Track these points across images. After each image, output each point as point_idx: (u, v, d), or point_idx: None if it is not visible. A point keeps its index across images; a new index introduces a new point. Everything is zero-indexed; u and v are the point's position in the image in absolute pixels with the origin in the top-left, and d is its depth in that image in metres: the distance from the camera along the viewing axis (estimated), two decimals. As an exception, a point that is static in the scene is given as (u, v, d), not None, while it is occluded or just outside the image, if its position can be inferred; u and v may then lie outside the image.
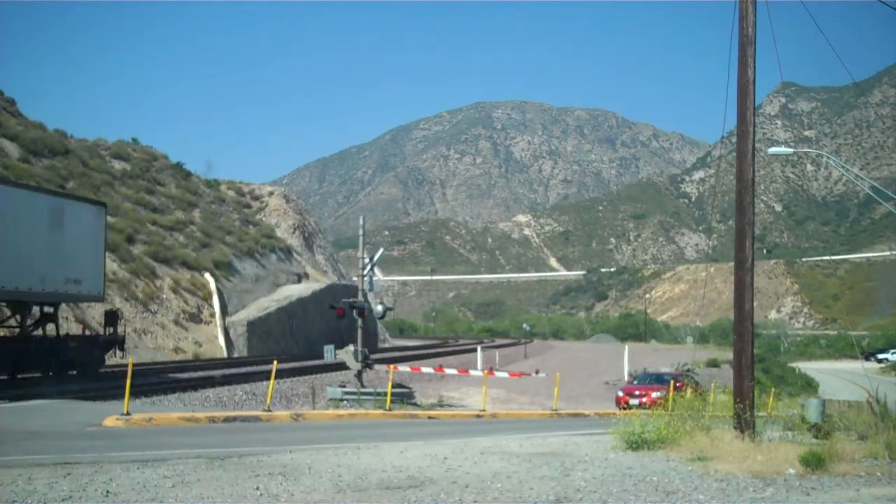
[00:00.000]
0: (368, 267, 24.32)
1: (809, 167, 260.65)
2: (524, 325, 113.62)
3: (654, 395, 25.67)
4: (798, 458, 9.39)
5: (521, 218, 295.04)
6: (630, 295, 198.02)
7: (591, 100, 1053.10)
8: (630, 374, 38.40)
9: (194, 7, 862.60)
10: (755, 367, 12.92)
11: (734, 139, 12.56)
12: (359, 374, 23.68)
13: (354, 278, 47.17)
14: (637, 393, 26.72)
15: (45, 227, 22.23)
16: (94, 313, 35.21)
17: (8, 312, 23.75)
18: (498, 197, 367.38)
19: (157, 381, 23.36)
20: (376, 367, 26.05)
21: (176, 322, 40.94)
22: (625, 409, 25.47)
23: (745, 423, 11.14)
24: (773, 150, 28.28)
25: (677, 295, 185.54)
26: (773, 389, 29.55)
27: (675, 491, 8.02)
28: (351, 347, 23.87)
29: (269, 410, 17.31)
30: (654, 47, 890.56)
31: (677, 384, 26.88)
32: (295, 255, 66.49)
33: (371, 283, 24.45)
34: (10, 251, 20.78)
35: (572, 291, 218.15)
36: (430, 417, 20.06)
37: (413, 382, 28.87)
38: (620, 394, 27.15)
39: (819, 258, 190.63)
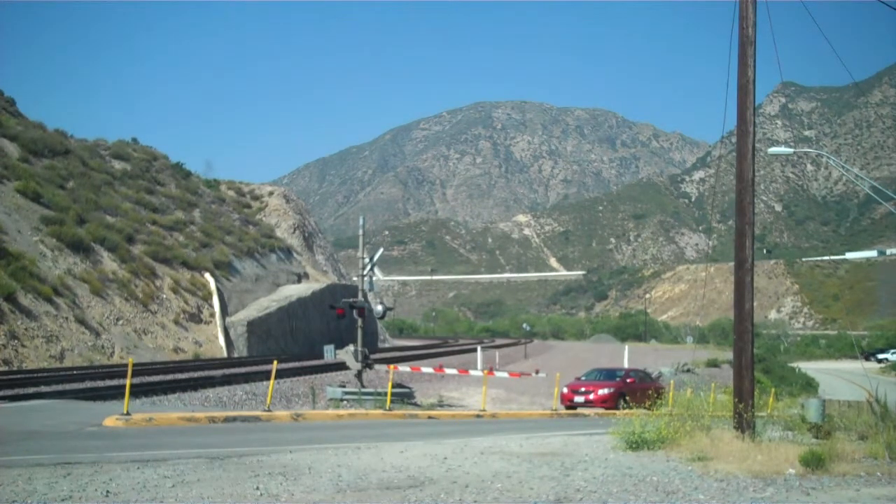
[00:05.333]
0: (368, 267, 24.29)
1: (809, 167, 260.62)
2: (524, 325, 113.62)
3: (602, 391, 24.57)
4: (798, 458, 9.39)
5: (521, 218, 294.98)
6: (630, 295, 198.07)
7: (591, 100, 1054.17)
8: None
9: (194, 7, 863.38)
10: (755, 367, 12.91)
11: (734, 139, 12.56)
12: (359, 374, 23.65)
13: (354, 278, 47.16)
14: (583, 390, 24.96)
15: None
16: (94, 313, 35.23)
17: None
18: (498, 197, 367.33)
19: (157, 381, 23.34)
20: (376, 367, 26.02)
21: (176, 322, 40.94)
22: (570, 407, 24.27)
23: (745, 423, 11.14)
24: (773, 150, 28.18)
25: (677, 295, 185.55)
26: (773, 389, 29.49)
27: (675, 491, 8.02)
28: (351, 347, 23.84)
29: (269, 410, 17.29)
30: (654, 47, 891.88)
31: (628, 380, 25.94)
32: (295, 255, 66.49)
33: (371, 283, 24.42)
34: None
35: (572, 291, 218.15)
36: (430, 417, 20.03)
37: (413, 382, 28.86)
38: (565, 390, 25.03)
39: (819, 258, 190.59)
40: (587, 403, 24.33)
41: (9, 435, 11.87)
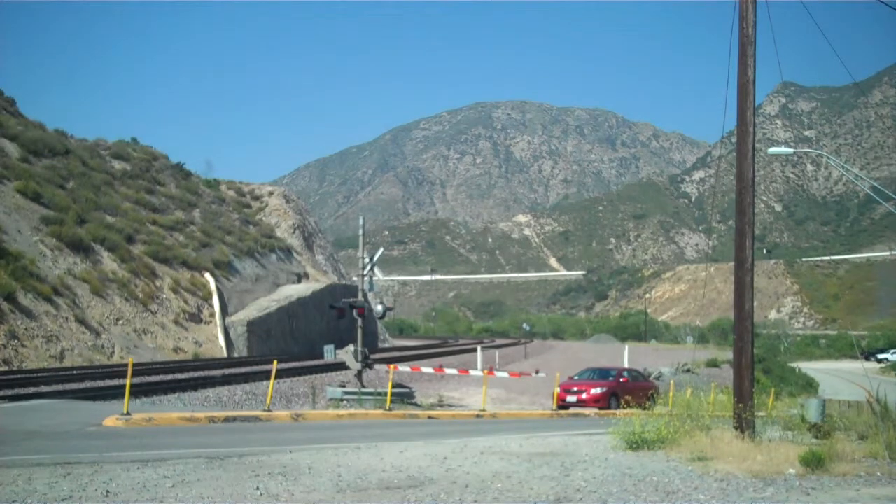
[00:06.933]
0: (368, 267, 24.30)
1: (809, 167, 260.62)
2: (524, 325, 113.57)
3: (594, 391, 24.42)
4: (798, 458, 9.39)
5: (521, 218, 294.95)
6: (630, 295, 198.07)
7: (591, 100, 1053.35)
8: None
9: (194, 7, 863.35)
10: (755, 367, 12.92)
11: (734, 139, 12.56)
12: (359, 374, 23.66)
13: (354, 278, 47.16)
14: (575, 389, 24.62)
15: None
16: (94, 313, 35.23)
17: None
18: (498, 197, 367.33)
19: (157, 381, 23.34)
20: (376, 367, 26.02)
21: (176, 322, 40.93)
22: (562, 407, 24.12)
23: (745, 423, 11.14)
24: (773, 150, 28.18)
25: (677, 295, 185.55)
26: (772, 389, 29.48)
27: (675, 491, 8.02)
28: (351, 347, 23.85)
29: (269, 410, 17.29)
30: (654, 47, 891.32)
31: (621, 380, 25.83)
32: (295, 255, 66.49)
33: (371, 283, 24.42)
34: None
35: (572, 291, 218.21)
36: (430, 417, 20.04)
37: (413, 382, 28.86)
38: (558, 390, 24.62)
39: (819, 258, 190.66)
40: (579, 403, 24.22)
41: (9, 435, 11.87)
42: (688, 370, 45.06)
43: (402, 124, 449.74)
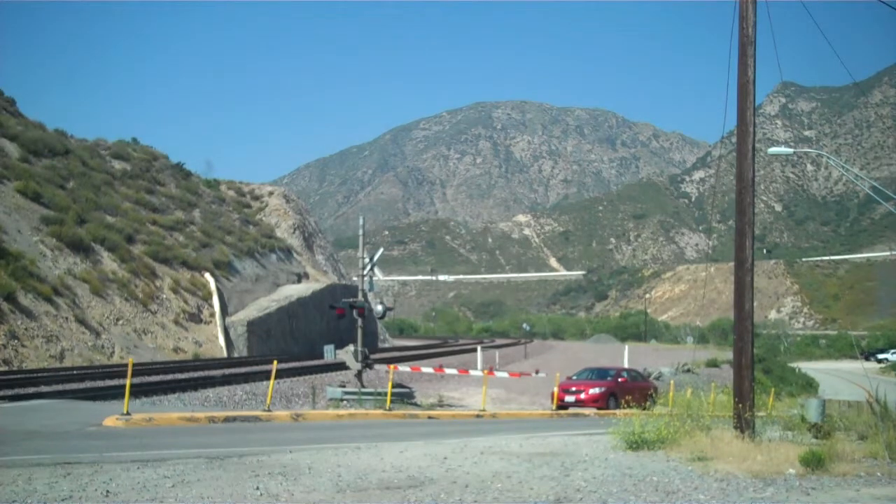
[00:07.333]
0: (368, 267, 24.30)
1: (809, 167, 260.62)
2: (524, 325, 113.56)
3: (592, 391, 24.41)
4: (798, 458, 9.39)
5: (521, 218, 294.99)
6: (630, 295, 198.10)
7: (591, 100, 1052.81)
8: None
9: (193, 7, 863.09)
10: (755, 367, 12.92)
11: (734, 139, 12.57)
12: (359, 374, 23.66)
13: (354, 278, 47.16)
14: (573, 389, 24.62)
15: None
16: (94, 313, 35.22)
17: None
18: (498, 197, 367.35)
19: (157, 381, 23.34)
20: (376, 367, 26.02)
21: (176, 322, 40.93)
22: (561, 407, 24.08)
23: (745, 423, 11.15)
24: (773, 150, 28.22)
25: (677, 295, 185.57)
26: (772, 389, 29.49)
27: (675, 491, 8.02)
28: (351, 347, 23.85)
29: (269, 410, 17.29)
30: (654, 47, 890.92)
31: (619, 380, 25.85)
32: (295, 255, 66.49)
33: (371, 283, 24.42)
34: None
35: (572, 291, 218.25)
36: (430, 417, 20.04)
37: (413, 382, 28.86)
38: (557, 390, 24.50)
39: (819, 258, 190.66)
40: (577, 403, 24.19)
41: (9, 435, 11.87)
42: (688, 370, 45.06)
43: (402, 124, 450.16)
